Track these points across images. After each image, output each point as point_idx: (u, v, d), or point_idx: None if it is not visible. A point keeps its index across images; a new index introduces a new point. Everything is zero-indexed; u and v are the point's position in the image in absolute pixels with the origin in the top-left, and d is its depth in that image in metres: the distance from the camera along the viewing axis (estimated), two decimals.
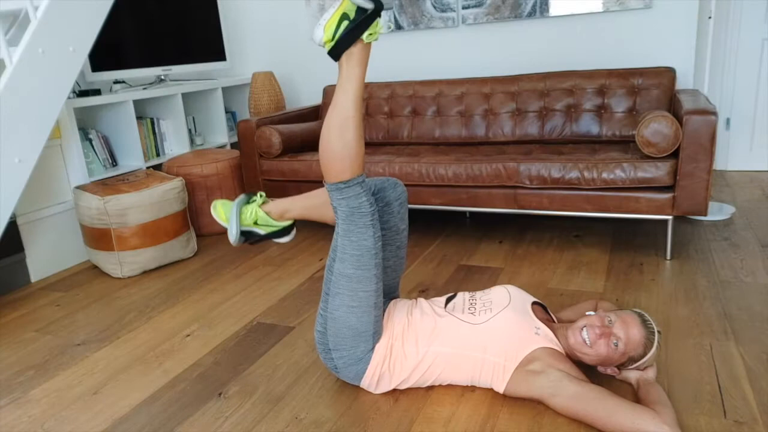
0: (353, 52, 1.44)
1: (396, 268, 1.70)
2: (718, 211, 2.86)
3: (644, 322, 1.45)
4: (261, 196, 1.80)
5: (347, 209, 1.44)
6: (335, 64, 3.85)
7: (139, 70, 3.26)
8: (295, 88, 4.06)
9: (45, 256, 2.71)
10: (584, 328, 1.46)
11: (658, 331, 1.46)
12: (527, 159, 2.47)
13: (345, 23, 1.45)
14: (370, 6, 1.43)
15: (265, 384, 1.68)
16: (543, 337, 1.48)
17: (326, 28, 1.47)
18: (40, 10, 2.30)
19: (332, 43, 1.45)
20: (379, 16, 1.46)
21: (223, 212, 1.80)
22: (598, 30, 3.15)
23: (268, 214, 1.77)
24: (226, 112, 4.06)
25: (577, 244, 2.63)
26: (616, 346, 1.42)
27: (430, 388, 1.59)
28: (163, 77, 3.50)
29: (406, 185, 2.72)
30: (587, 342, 1.44)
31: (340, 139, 1.42)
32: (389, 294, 1.73)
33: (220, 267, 2.67)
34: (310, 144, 3.18)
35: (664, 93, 2.75)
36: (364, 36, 1.43)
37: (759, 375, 1.54)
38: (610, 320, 1.45)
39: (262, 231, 1.79)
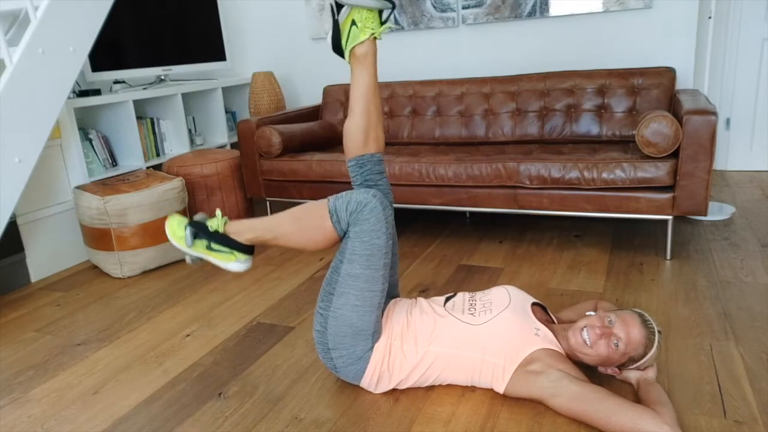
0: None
1: (393, 265, 1.70)
2: (718, 211, 2.86)
3: (644, 322, 1.45)
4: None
5: (357, 205, 1.45)
6: (335, 65, 3.86)
7: (139, 70, 3.26)
8: (295, 88, 4.06)
9: (45, 256, 2.71)
10: (584, 329, 1.46)
11: (659, 331, 1.46)
12: (527, 159, 2.47)
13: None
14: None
15: (265, 384, 1.68)
16: (543, 337, 1.48)
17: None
18: (40, 10, 2.30)
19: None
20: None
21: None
22: (598, 30, 3.15)
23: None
24: (226, 112, 4.06)
25: (577, 244, 2.63)
26: (617, 346, 1.42)
27: (430, 388, 1.59)
28: (163, 77, 3.50)
29: (406, 185, 2.72)
30: (588, 342, 1.44)
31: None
32: (389, 293, 1.73)
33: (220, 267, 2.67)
34: (310, 144, 3.18)
35: (664, 93, 2.75)
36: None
37: (759, 375, 1.54)
38: (611, 320, 1.45)
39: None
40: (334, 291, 1.51)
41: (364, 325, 1.51)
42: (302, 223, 1.53)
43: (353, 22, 1.56)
